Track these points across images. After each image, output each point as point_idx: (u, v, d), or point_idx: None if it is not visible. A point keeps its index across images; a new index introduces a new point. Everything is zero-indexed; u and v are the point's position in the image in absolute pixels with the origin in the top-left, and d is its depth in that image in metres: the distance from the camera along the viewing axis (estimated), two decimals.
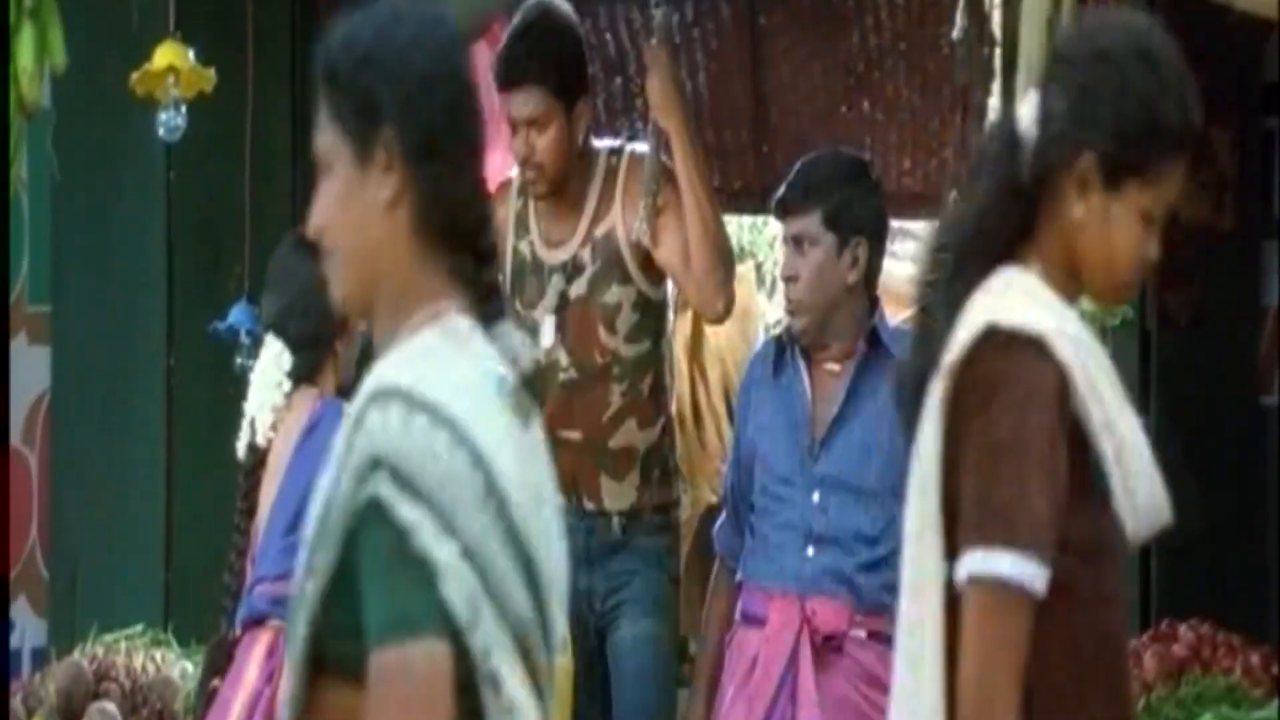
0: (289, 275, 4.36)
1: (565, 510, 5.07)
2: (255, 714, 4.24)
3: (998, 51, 8.77)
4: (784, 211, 4.53)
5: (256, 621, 4.34)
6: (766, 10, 11.97)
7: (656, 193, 4.89)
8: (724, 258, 4.85)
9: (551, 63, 4.89)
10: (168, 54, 5.20)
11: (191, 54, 5.23)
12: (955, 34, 8.22)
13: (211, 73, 5.25)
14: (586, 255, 4.99)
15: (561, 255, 5.01)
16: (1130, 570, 7.33)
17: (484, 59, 11.82)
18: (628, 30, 11.73)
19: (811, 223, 4.45)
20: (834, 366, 4.49)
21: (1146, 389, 7.21)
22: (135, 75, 5.21)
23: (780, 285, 4.99)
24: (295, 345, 4.35)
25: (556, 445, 4.95)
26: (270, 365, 4.36)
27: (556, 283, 5.00)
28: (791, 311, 4.50)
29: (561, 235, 5.02)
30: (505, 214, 5.06)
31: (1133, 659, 5.90)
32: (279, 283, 4.42)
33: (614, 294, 4.97)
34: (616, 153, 5.05)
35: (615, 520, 4.99)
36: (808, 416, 4.46)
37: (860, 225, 4.48)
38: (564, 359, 4.98)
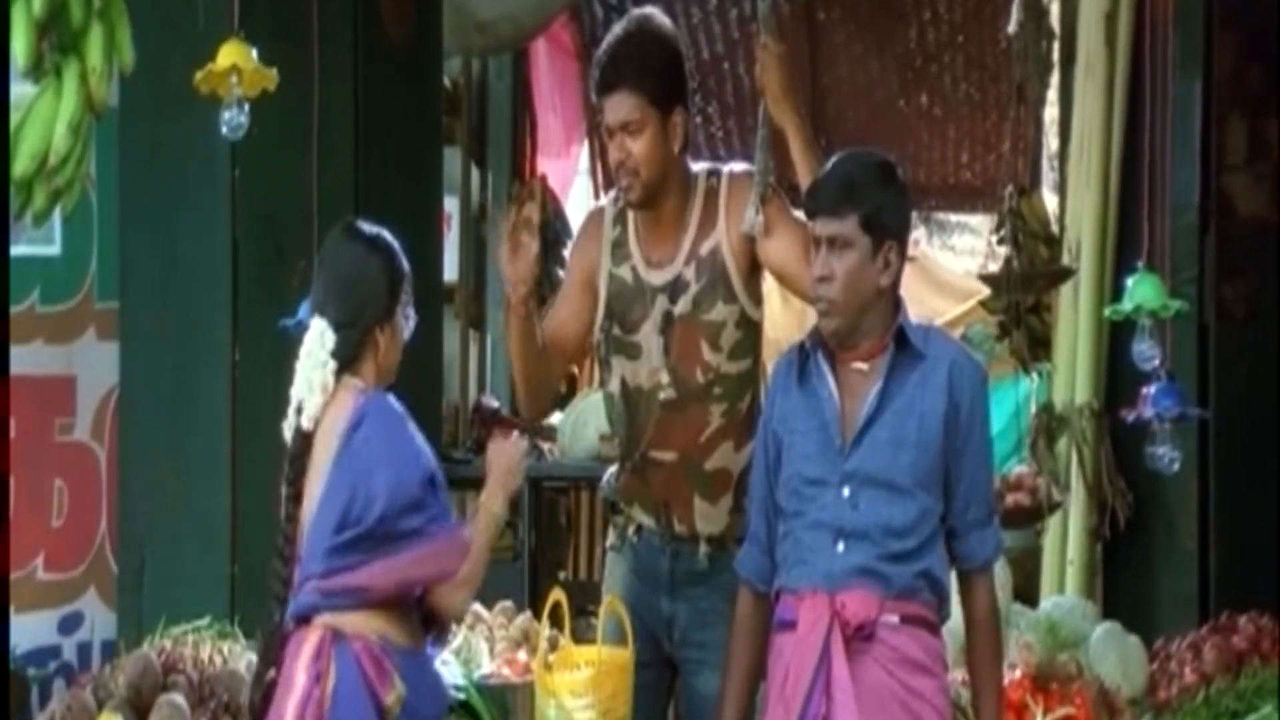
0: (334, 257, 4.48)
1: (653, 533, 5.08)
2: (306, 717, 4.24)
3: (1055, 45, 8.79)
4: (819, 212, 4.46)
5: (304, 619, 4.32)
6: (825, 5, 12.03)
7: (767, 184, 4.86)
8: None
9: (647, 68, 4.85)
10: (231, 53, 5.24)
11: (254, 53, 5.28)
12: (1012, 28, 8.22)
13: (274, 72, 5.29)
14: (690, 273, 4.94)
15: (665, 275, 4.96)
16: (1189, 564, 7.32)
17: (544, 56, 11.84)
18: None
19: (848, 225, 4.39)
20: (861, 365, 4.45)
21: (1204, 381, 7.20)
22: (199, 74, 5.25)
23: None
24: (335, 324, 4.38)
25: (651, 466, 4.98)
26: (315, 345, 4.38)
27: (661, 303, 4.95)
28: (824, 312, 4.43)
29: (663, 255, 4.97)
30: (598, 239, 5.06)
31: (1192, 651, 5.91)
32: (324, 264, 4.50)
33: (718, 311, 4.93)
34: (715, 174, 5.00)
35: (702, 547, 4.97)
36: (837, 415, 4.41)
37: (893, 229, 4.43)
38: (665, 378, 4.95)
